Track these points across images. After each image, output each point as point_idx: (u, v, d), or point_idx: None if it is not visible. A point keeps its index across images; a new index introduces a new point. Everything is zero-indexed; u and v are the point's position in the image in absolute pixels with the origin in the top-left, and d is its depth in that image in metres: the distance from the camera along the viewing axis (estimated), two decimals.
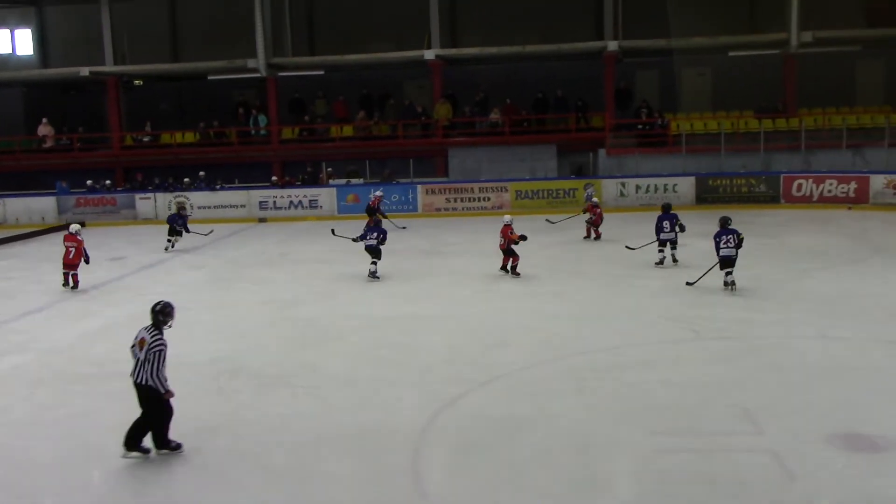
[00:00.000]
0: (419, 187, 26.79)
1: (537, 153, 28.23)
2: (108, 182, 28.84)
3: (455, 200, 26.60)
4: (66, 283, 16.07)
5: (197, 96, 32.73)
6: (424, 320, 12.99)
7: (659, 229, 16.43)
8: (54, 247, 21.94)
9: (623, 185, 26.06)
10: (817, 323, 11.92)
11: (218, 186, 27.83)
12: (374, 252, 16.25)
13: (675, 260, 16.48)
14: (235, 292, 15.81)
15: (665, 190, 25.35)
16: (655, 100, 29.44)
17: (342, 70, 31.01)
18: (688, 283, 14.40)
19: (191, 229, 20.95)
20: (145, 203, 27.76)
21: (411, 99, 30.51)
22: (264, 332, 12.57)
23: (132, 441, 7.91)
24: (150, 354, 7.73)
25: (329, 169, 28.44)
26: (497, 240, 16.12)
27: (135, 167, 30.48)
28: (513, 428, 8.36)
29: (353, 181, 27.89)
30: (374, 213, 20.25)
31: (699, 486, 7.00)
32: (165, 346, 7.83)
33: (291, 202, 27.21)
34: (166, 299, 8.20)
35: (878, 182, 23.91)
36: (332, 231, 18.33)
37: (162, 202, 27.56)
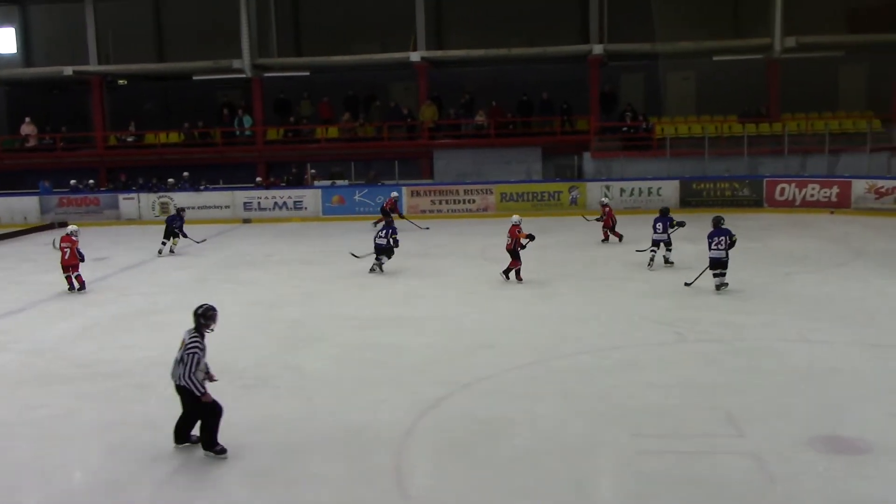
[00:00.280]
0: (404, 189, 26.79)
1: (522, 156, 28.32)
2: (91, 182, 28.72)
3: (440, 202, 26.62)
4: (70, 287, 15.72)
5: (182, 96, 32.61)
6: (409, 322, 12.99)
7: (653, 230, 16.71)
8: (37, 247, 21.90)
9: (608, 188, 26.14)
10: (800, 326, 11.99)
11: (202, 187, 27.74)
12: (381, 250, 16.75)
13: (669, 262, 16.64)
14: (219, 293, 15.71)
15: (649, 193, 25.46)
16: (640, 103, 29.59)
17: (328, 71, 30.96)
18: (686, 284, 14.53)
19: (187, 234, 20.45)
20: (129, 203, 27.64)
21: (397, 100, 30.51)
22: (248, 333, 12.53)
23: (180, 435, 7.97)
24: (185, 356, 7.72)
25: (313, 171, 28.40)
26: (502, 241, 15.99)
27: (118, 167, 30.34)
28: (497, 429, 8.37)
29: (339, 182, 27.86)
30: (388, 215, 20.30)
31: (682, 488, 7.03)
32: (201, 349, 7.81)
33: (276, 203, 27.16)
34: (209, 303, 8.21)
35: (859, 187, 24.09)
36: (353, 254, 18.00)
37: (146, 202, 27.46)
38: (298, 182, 28.12)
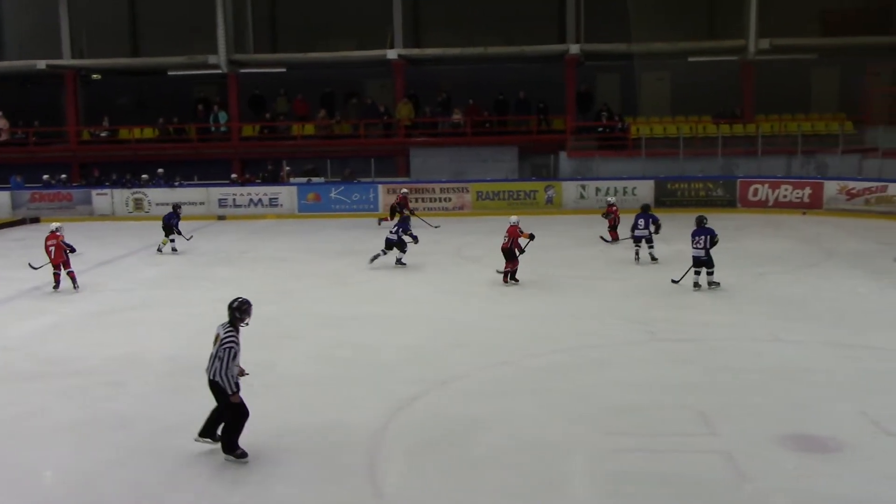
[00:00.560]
0: (380, 187, 26.76)
1: (499, 154, 28.36)
2: (63, 177, 28.43)
3: (416, 200, 26.57)
4: (56, 285, 15.34)
5: (156, 92, 32.30)
6: (383, 320, 12.97)
7: (634, 227, 17.07)
8: (8, 242, 21.66)
9: (583, 187, 26.25)
10: (771, 325, 12.10)
11: (177, 183, 27.53)
12: (391, 244, 16.94)
13: (653, 258, 16.92)
14: (194, 290, 15.67)
15: (625, 193, 25.57)
16: (616, 103, 29.72)
17: (304, 68, 30.81)
18: (673, 281, 14.68)
19: (181, 231, 19.94)
20: (102, 199, 27.40)
21: (373, 98, 30.45)
22: None
23: (207, 429, 7.83)
24: (220, 351, 7.55)
25: (288, 168, 28.29)
26: (496, 241, 15.80)
27: (92, 162, 30.00)
28: (470, 428, 8.38)
29: (314, 180, 27.76)
30: (396, 212, 20.32)
31: (653, 487, 7.08)
32: (237, 344, 7.63)
33: (251, 200, 27.04)
34: (244, 296, 7.98)
35: (831, 188, 24.36)
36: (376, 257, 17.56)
37: (119, 198, 27.25)
38: (274, 179, 27.99)
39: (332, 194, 26.84)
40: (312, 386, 9.85)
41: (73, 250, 15.72)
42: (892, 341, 11.17)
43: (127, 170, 28.43)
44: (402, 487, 7.26)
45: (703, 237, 14.13)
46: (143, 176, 27.53)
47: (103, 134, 30.56)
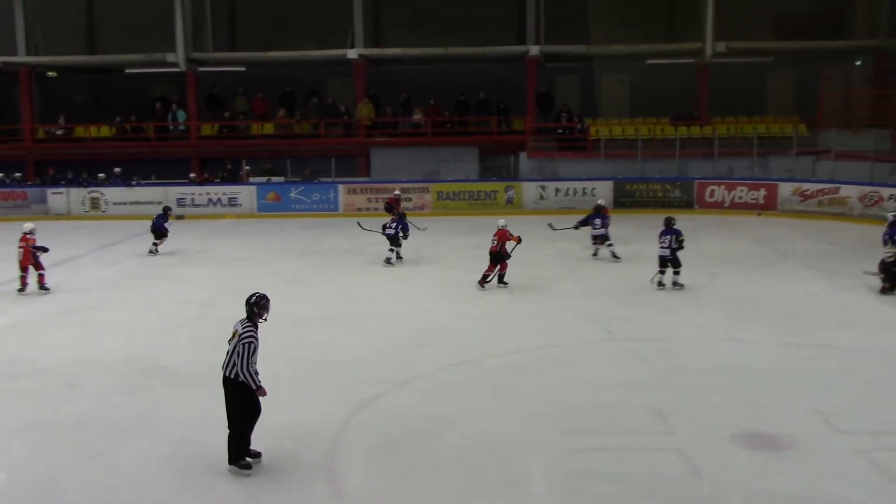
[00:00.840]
0: (340, 187, 26.68)
1: (459, 155, 28.39)
2: (18, 175, 27.92)
3: (377, 200, 26.51)
4: (21, 288, 14.99)
5: (113, 90, 31.85)
6: (344, 320, 12.96)
7: (587, 223, 17.71)
8: None
9: (543, 187, 26.41)
10: (727, 325, 12.31)
11: (134, 182, 27.19)
12: (390, 239, 17.29)
13: (615, 256, 17.32)
14: (151, 290, 15.52)
15: (584, 193, 25.76)
16: (575, 105, 29.93)
17: (264, 67, 30.60)
18: (656, 284, 14.83)
19: (168, 228, 19.60)
20: (58, 198, 26.96)
21: (334, 98, 30.34)
22: (180, 331, 12.38)
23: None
24: (239, 346, 7.36)
25: (247, 167, 28.08)
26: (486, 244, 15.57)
27: (47, 161, 29.48)
28: (430, 428, 8.42)
29: (274, 179, 27.59)
30: (392, 210, 20.21)
31: (611, 485, 7.18)
32: (257, 338, 7.46)
33: (210, 199, 26.78)
34: (261, 291, 7.78)
35: (786, 189, 24.78)
36: (360, 224, 18.80)
37: (75, 197, 26.84)
38: (233, 178, 27.78)
39: (292, 194, 26.70)
40: (273, 386, 9.74)
41: (45, 250, 15.39)
42: (844, 341, 11.41)
43: (83, 168, 27.99)
44: (361, 487, 7.29)
45: (668, 237, 14.48)
46: (100, 175, 27.14)
47: (59, 132, 30.07)
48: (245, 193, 26.81)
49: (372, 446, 8.05)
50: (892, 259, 13.98)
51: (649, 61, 29.46)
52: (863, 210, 22.97)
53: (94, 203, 26.78)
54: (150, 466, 7.64)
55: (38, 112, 30.71)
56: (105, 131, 29.74)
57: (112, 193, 26.80)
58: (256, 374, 7.41)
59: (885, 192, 22.42)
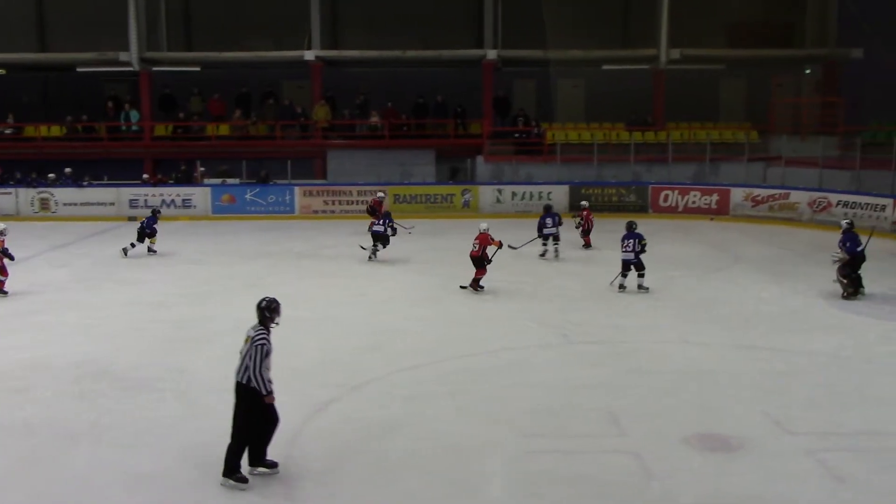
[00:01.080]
0: (297, 189, 26.51)
1: (416, 158, 28.39)
2: None
3: (333, 203, 26.45)
4: None
5: (64, 88, 31.34)
6: (297, 323, 12.77)
7: (542, 226, 18.17)
8: None
9: (499, 191, 26.51)
10: (680, 328, 12.46)
11: (85, 183, 26.74)
12: (379, 237, 17.76)
13: (556, 254, 18.04)
14: (101, 292, 15.27)
15: (540, 197, 25.88)
16: (532, 109, 30.12)
17: (219, 67, 30.27)
18: (616, 287, 15.03)
19: (156, 231, 19.44)
20: (6, 198, 26.39)
21: (290, 99, 30.15)
22: (130, 335, 12.19)
23: (255, 458, 7.40)
24: (252, 349, 7.22)
25: (202, 169, 27.77)
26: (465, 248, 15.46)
27: None
28: (386, 431, 8.40)
29: (229, 181, 27.32)
30: (375, 213, 20.42)
31: (566, 487, 7.22)
32: (269, 343, 7.31)
33: (164, 201, 26.38)
34: (272, 295, 7.70)
35: (737, 195, 25.17)
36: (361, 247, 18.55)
37: (24, 198, 26.33)
38: (187, 180, 27.46)
39: (248, 196, 26.47)
40: (224, 390, 9.66)
41: (11, 258, 15.05)
42: (793, 344, 11.61)
43: (32, 168, 27.46)
44: (316, 491, 7.23)
45: (632, 241, 14.81)
46: (50, 175, 26.66)
47: (7, 131, 29.40)
48: (199, 195, 26.52)
49: (327, 451, 7.99)
50: (837, 261, 14.28)
51: (605, 67, 29.72)
52: (812, 215, 23.42)
53: (44, 204, 26.31)
54: (101, 472, 7.51)
55: None
56: (56, 131, 29.22)
57: (62, 194, 26.34)
58: (270, 381, 7.27)
59: (834, 197, 22.88)
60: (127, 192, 26.54)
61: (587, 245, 19.70)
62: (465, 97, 29.19)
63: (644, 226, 21.58)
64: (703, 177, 26.78)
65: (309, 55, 28.60)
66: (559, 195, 25.85)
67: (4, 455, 7.88)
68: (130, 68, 28.80)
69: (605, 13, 31.09)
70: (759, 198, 24.76)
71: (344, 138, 29.09)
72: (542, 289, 15.30)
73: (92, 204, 26.24)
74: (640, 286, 14.86)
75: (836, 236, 14.85)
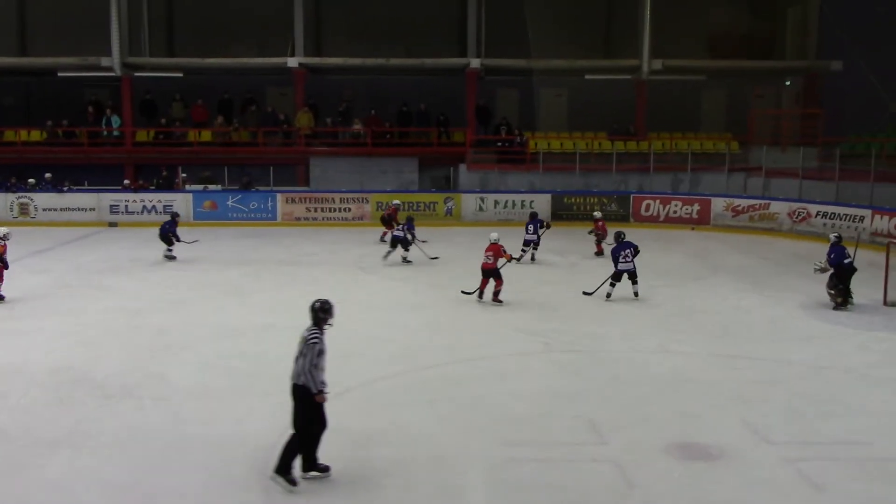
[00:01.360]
0: (279, 196, 26.44)
1: (399, 165, 28.42)
2: None
3: (315, 210, 26.40)
4: None
5: (45, 93, 31.17)
6: (278, 331, 12.76)
7: (525, 230, 18.96)
8: None
9: (482, 199, 26.55)
10: (660, 337, 12.50)
11: (65, 188, 26.56)
12: (397, 241, 18.50)
13: (533, 259, 18.69)
14: (81, 299, 15.15)
15: (522, 206, 25.96)
16: (515, 118, 30.20)
17: (202, 73, 30.18)
18: (584, 293, 15.17)
19: (180, 237, 19.46)
20: None
21: (274, 106, 30.10)
22: (110, 341, 12.10)
23: (307, 462, 7.42)
24: (305, 348, 7.24)
25: (184, 175, 27.66)
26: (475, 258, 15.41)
27: None
28: (365, 439, 8.37)
29: (211, 187, 27.22)
30: (390, 222, 20.73)
31: (546, 495, 7.22)
32: (322, 343, 7.31)
33: (145, 207, 26.28)
34: (324, 297, 7.66)
35: (718, 204, 25.33)
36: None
37: (3, 203, 26.11)
38: (169, 186, 27.34)
39: (230, 202, 26.38)
40: (205, 398, 9.65)
41: (6, 266, 14.84)
42: (772, 353, 11.68)
43: (12, 173, 27.25)
44: (296, 500, 7.19)
45: (629, 250, 14.91)
46: (30, 180, 26.48)
47: None
48: (181, 201, 26.36)
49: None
50: (818, 270, 14.41)
51: (587, 77, 29.87)
52: (792, 225, 23.59)
53: (23, 209, 26.11)
54: (79, 480, 7.45)
55: None
56: (36, 135, 29.03)
57: (42, 199, 26.16)
58: (323, 383, 7.29)
59: (813, 208, 23.06)
60: (108, 198, 26.37)
61: (599, 253, 19.96)
62: (448, 106, 29.26)
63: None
64: (682, 186, 26.95)
65: (292, 62, 28.57)
66: (541, 204, 25.91)
67: None
68: (112, 73, 28.65)
69: (588, 24, 31.30)
70: (740, 208, 24.91)
71: (327, 145, 29.06)
72: (524, 297, 15.30)
73: (72, 209, 26.07)
74: (636, 294, 14.99)
75: (816, 246, 14.98)
